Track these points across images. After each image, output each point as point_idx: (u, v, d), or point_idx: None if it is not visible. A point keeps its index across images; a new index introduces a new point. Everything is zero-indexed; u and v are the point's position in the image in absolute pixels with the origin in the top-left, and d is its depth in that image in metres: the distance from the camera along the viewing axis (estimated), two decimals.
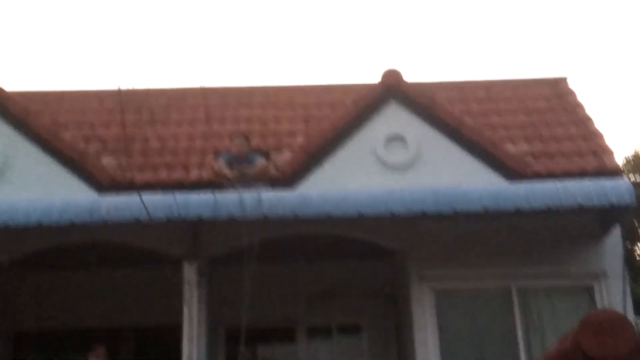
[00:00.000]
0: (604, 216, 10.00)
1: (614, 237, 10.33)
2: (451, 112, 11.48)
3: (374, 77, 13.34)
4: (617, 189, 9.50)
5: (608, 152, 11.51)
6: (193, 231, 9.60)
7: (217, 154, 10.98)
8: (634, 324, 3.98)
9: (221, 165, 10.55)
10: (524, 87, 13.48)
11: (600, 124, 16.76)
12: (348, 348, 11.53)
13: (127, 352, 11.80)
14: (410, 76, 11.68)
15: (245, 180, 10.19)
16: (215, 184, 10.41)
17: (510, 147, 11.55)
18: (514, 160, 11.11)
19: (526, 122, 12.42)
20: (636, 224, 21.84)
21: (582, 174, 10.98)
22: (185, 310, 9.46)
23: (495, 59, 43.35)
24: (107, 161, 11.45)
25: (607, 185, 9.61)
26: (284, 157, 11.31)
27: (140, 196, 8.76)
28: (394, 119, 11.19)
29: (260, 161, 10.66)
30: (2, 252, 9.80)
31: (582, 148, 11.69)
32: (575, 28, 45.17)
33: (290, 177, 10.86)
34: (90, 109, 12.93)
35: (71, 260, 10.80)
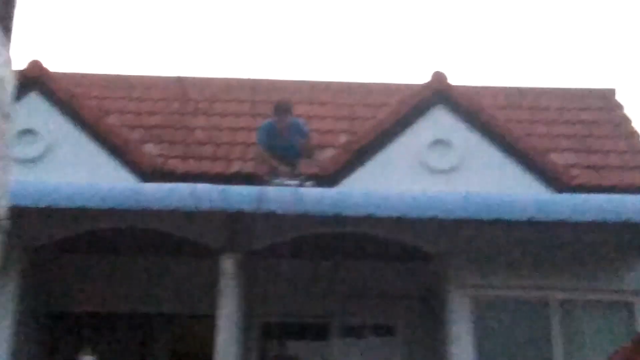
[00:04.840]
0: None
1: None
2: (498, 119, 11.40)
3: (420, 78, 13.29)
4: None
5: None
6: (233, 224, 9.61)
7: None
8: None
9: (262, 152, 10.55)
10: (572, 97, 13.34)
11: None
12: (381, 349, 11.45)
13: (160, 338, 11.87)
14: (457, 79, 11.66)
15: (288, 168, 10.25)
16: (256, 177, 10.42)
17: (555, 158, 11.44)
18: (559, 171, 11.01)
19: (573, 133, 12.31)
20: None
21: (627, 188, 10.84)
22: (221, 302, 9.47)
23: (545, 66, 42.95)
24: (150, 149, 11.52)
25: None
26: (326, 155, 11.29)
27: (185, 185, 8.80)
28: (440, 122, 11.16)
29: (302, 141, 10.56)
30: (42, 234, 9.91)
31: (629, 162, 11.57)
32: (628, 40, 44.59)
33: (332, 175, 10.86)
34: (135, 96, 13.02)
35: (110, 245, 10.87)
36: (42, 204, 9.15)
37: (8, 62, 3.15)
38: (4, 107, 3.05)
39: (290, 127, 10.52)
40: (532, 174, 10.94)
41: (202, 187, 9.22)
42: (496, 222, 9.31)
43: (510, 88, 13.51)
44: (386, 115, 11.45)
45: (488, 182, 10.68)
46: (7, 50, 3.15)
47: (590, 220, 9.20)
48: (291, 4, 40.54)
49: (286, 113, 10.57)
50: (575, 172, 11.20)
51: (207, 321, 9.85)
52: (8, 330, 9.60)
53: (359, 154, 11.04)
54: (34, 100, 11.18)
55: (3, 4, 3.16)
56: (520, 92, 13.38)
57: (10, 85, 3.14)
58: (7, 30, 3.19)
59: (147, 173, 10.86)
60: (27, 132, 10.93)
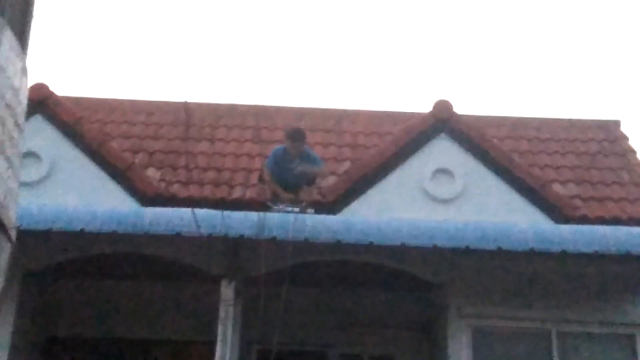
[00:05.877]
0: None
1: None
2: (501, 149, 11.43)
3: (424, 107, 13.35)
4: None
5: None
6: (233, 250, 9.59)
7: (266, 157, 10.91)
8: None
9: (267, 173, 10.59)
10: (576, 128, 13.37)
11: None
12: None
13: None
14: (460, 108, 11.71)
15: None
16: (258, 203, 10.43)
17: (558, 188, 11.45)
18: (562, 202, 11.01)
19: (576, 164, 12.32)
20: None
21: (630, 220, 10.83)
22: (220, 329, 9.42)
23: (550, 96, 43.03)
24: (152, 174, 11.55)
25: None
26: (328, 182, 11.30)
27: (186, 210, 8.81)
28: (442, 151, 11.18)
29: (315, 168, 10.63)
30: (42, 257, 9.90)
31: (633, 194, 11.55)
32: (632, 72, 44.71)
33: (333, 203, 10.86)
34: (139, 120, 13.07)
35: (110, 270, 10.85)
36: (42, 227, 9.15)
37: (24, 71, 3.17)
38: (17, 117, 3.08)
39: (302, 154, 10.58)
40: (534, 204, 10.94)
41: (203, 213, 9.23)
42: (497, 253, 9.30)
43: (513, 118, 13.54)
44: (388, 144, 11.48)
45: (489, 211, 10.69)
46: (23, 60, 3.17)
47: (592, 252, 9.18)
48: (296, 31, 40.75)
49: (301, 140, 10.64)
50: (577, 203, 11.21)
51: (207, 347, 9.81)
52: (3, 355, 9.57)
53: (361, 182, 11.06)
54: (37, 123, 11.20)
55: (20, 14, 3.18)
56: (524, 122, 13.42)
57: (24, 96, 3.17)
58: (24, 40, 3.21)
59: (149, 198, 10.88)
60: (30, 154, 10.94)
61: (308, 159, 10.66)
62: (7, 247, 2.96)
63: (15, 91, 3.11)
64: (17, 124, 3.12)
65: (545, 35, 43.41)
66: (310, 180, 10.78)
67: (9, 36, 3.05)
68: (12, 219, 3.00)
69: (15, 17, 3.19)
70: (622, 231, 9.51)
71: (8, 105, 3.04)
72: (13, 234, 2.98)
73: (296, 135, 10.69)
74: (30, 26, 3.32)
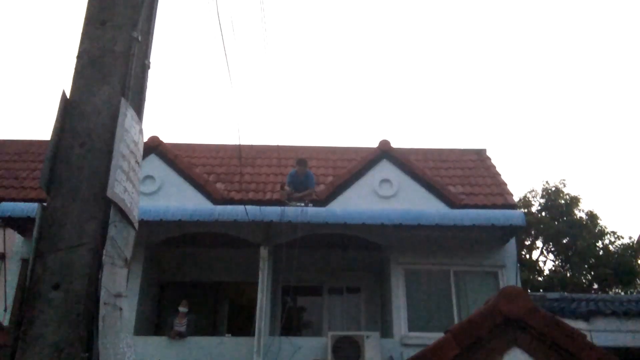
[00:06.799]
0: (505, 231, 9.90)
1: (511, 244, 10.21)
2: (419, 167, 11.46)
3: (373, 141, 13.32)
4: (514, 216, 9.43)
5: (509, 194, 11.39)
6: (267, 228, 9.62)
7: (287, 175, 10.88)
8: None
9: (287, 187, 10.59)
10: (460, 153, 13.41)
11: (505, 176, 16.59)
12: (352, 301, 11.41)
13: (225, 296, 11.78)
14: (395, 143, 11.71)
15: (299, 197, 10.29)
16: (280, 201, 10.43)
17: (451, 189, 11.48)
18: (454, 196, 11.04)
19: (461, 174, 12.35)
20: (524, 237, 21.55)
21: (493, 206, 10.88)
22: (260, 275, 9.46)
23: (445, 132, 43.27)
24: (220, 186, 11.53)
25: (508, 213, 9.55)
26: (320, 188, 11.32)
27: (240, 206, 8.82)
28: (385, 169, 11.19)
29: (309, 189, 10.65)
30: (157, 235, 9.91)
31: (494, 191, 11.59)
32: (496, 114, 44.95)
33: (323, 200, 10.87)
34: (211, 155, 13.05)
35: (196, 242, 10.84)
36: (157, 218, 9.19)
37: (140, 131, 3.21)
38: (137, 158, 3.13)
39: (305, 174, 10.63)
40: (438, 198, 10.96)
41: (249, 207, 9.25)
42: (417, 226, 9.35)
43: (425, 149, 13.57)
44: (353, 166, 11.50)
45: (412, 203, 10.70)
46: (140, 125, 3.21)
47: (471, 224, 9.27)
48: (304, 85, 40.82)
49: (304, 165, 10.70)
50: (462, 197, 11.24)
51: (252, 286, 9.81)
52: (136, 294, 9.54)
53: (339, 188, 11.07)
54: (153, 159, 11.21)
55: (138, 98, 3.22)
56: (430, 151, 13.44)
57: (141, 146, 3.21)
58: (140, 113, 3.25)
59: (218, 200, 10.86)
60: (149, 177, 10.97)
61: (307, 177, 10.68)
62: (133, 233, 2.99)
63: (136, 144, 3.17)
64: (137, 162, 3.17)
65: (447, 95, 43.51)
66: (307, 199, 10.68)
67: (131, 111, 3.10)
68: (136, 217, 3.04)
69: (135, 100, 3.26)
70: (488, 212, 9.62)
71: (132, 152, 3.09)
72: (136, 225, 3.02)
73: (302, 162, 10.74)
74: (144, 104, 3.38)
